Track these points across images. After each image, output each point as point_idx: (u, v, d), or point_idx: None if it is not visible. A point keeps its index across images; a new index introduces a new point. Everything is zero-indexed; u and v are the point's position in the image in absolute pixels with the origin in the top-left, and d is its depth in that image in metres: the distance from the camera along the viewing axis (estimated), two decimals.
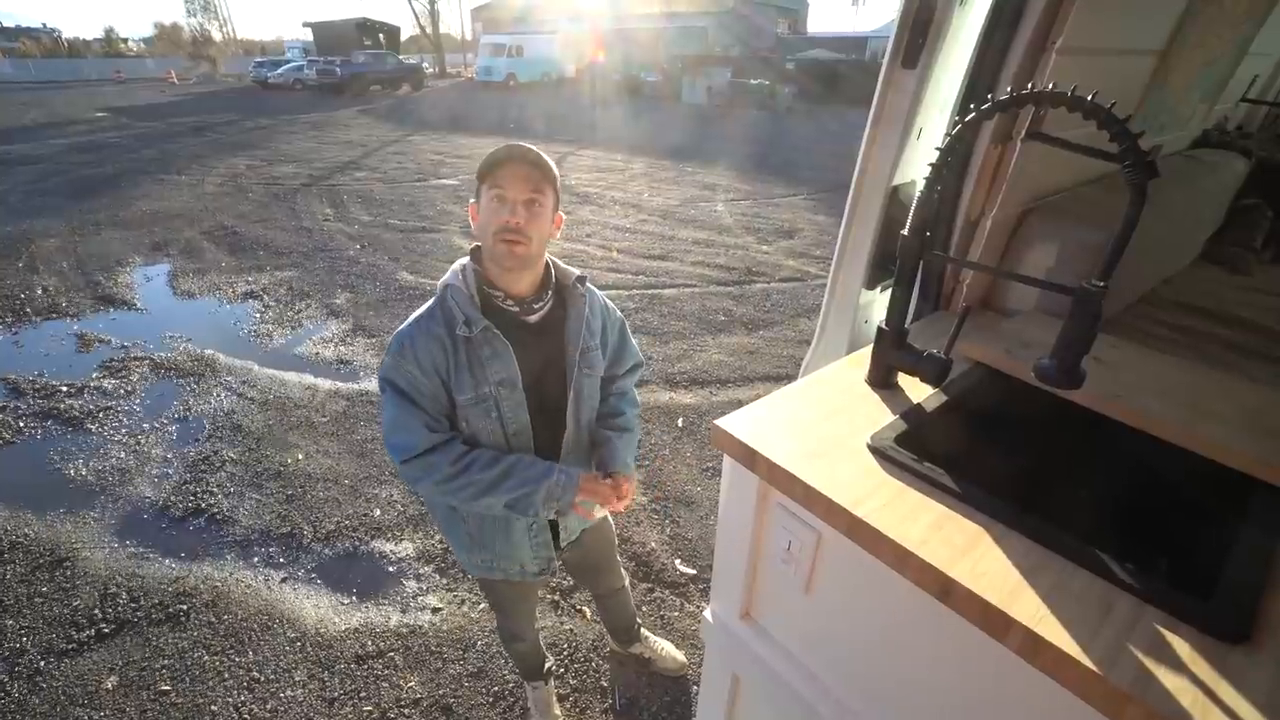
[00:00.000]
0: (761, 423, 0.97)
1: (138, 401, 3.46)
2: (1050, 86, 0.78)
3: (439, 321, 1.14)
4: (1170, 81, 1.65)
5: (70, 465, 2.92)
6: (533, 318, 1.20)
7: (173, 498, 2.73)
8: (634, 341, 1.44)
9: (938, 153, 0.93)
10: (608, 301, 1.37)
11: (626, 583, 1.84)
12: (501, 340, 1.15)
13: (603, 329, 1.32)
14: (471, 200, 1.17)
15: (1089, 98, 0.74)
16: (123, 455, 3.00)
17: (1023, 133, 1.25)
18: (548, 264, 1.24)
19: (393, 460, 1.17)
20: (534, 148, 1.12)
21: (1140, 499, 1.04)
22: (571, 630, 2.14)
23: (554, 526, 1.38)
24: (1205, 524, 0.95)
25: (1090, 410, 1.02)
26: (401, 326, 1.16)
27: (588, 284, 1.27)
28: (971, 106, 0.88)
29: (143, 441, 3.11)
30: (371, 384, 3.66)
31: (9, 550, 2.43)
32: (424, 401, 1.15)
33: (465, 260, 1.21)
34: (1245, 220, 2.16)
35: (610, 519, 1.65)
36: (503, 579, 1.41)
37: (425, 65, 32.52)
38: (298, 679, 1.97)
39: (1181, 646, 0.63)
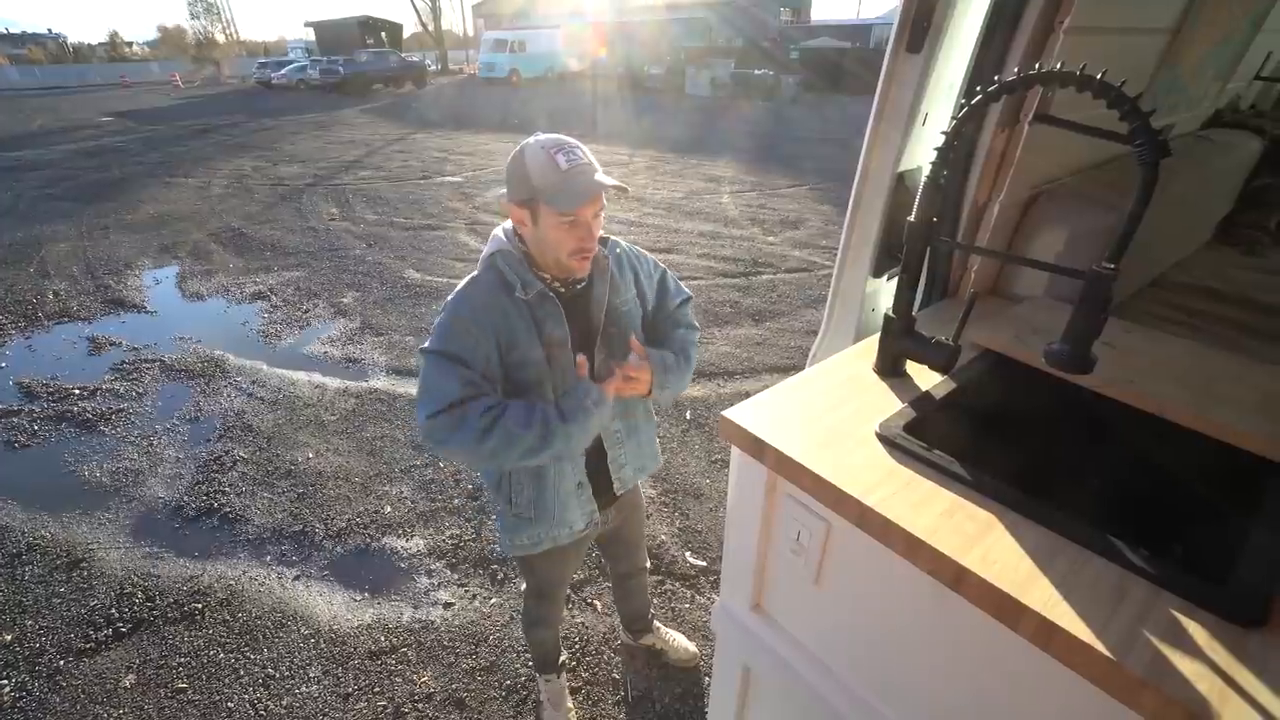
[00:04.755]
0: (769, 413, 0.97)
1: (149, 403, 3.50)
2: (1058, 66, 0.76)
3: (497, 285, 1.16)
4: (1182, 60, 1.62)
5: (84, 467, 2.95)
6: (569, 292, 1.24)
7: (186, 498, 2.75)
8: (677, 282, 1.45)
9: (943, 138, 0.92)
10: (639, 251, 1.38)
11: (648, 564, 1.86)
12: (554, 303, 1.18)
13: (635, 279, 1.34)
14: (510, 202, 1.14)
15: (1098, 76, 0.72)
16: (136, 456, 3.03)
17: (1030, 115, 1.23)
18: None
19: (420, 424, 1.13)
20: (584, 150, 1.11)
21: (1153, 485, 1.02)
22: (583, 624, 2.15)
23: (607, 476, 1.40)
24: (1220, 509, 0.94)
25: (1102, 395, 1.01)
26: (452, 295, 1.18)
27: (609, 243, 1.29)
28: (978, 89, 0.86)
29: (155, 443, 3.14)
30: (380, 382, 3.68)
31: (27, 551, 2.46)
32: (473, 358, 1.14)
33: (507, 224, 1.21)
34: (1259, 201, 2.12)
35: (643, 499, 1.66)
36: (551, 547, 1.41)
37: (428, 63, 32.51)
38: (312, 675, 1.99)
39: (1198, 632, 0.62)
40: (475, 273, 1.21)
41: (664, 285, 1.43)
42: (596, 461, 1.37)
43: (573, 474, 1.33)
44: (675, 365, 1.32)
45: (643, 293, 1.36)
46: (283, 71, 26.33)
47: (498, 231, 1.22)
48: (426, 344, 1.16)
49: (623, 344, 1.30)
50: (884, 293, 1.37)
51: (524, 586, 1.72)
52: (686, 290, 1.47)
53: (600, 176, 1.09)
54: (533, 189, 1.08)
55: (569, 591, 2.26)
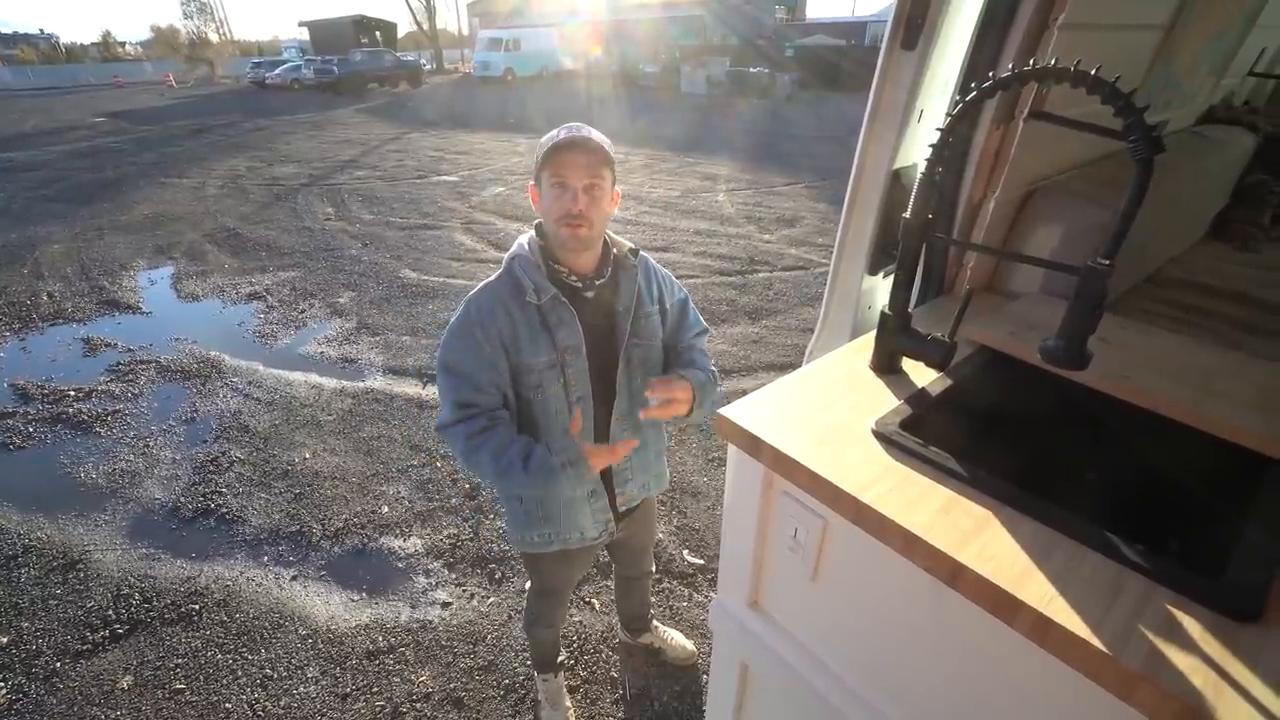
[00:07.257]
0: (766, 411, 0.97)
1: (145, 404, 3.48)
2: (1053, 63, 0.76)
3: (507, 290, 1.19)
4: (1176, 56, 1.63)
5: (80, 469, 2.94)
6: (591, 293, 1.24)
7: (182, 499, 2.75)
8: (697, 313, 1.46)
9: (939, 135, 0.92)
10: (668, 273, 1.40)
11: (653, 567, 1.87)
12: (568, 308, 1.19)
13: (660, 296, 1.34)
14: (530, 182, 1.21)
15: (1092, 72, 0.72)
16: (132, 458, 3.02)
17: (1025, 112, 1.24)
18: (605, 240, 1.27)
19: None
20: (590, 130, 1.14)
21: (1149, 480, 1.03)
22: (581, 622, 2.15)
23: (610, 494, 1.40)
24: (1216, 504, 0.94)
25: (1097, 391, 1.01)
26: (464, 300, 1.21)
27: (641, 254, 1.30)
28: (972, 86, 0.86)
29: (151, 444, 3.13)
30: (376, 382, 3.67)
31: (23, 554, 2.45)
32: (476, 366, 1.17)
33: (530, 233, 1.24)
34: (1253, 197, 2.13)
35: (656, 508, 1.66)
36: (559, 549, 1.41)
37: (423, 62, 32.42)
38: (310, 675, 1.99)
39: (1193, 626, 0.62)
40: (492, 276, 1.22)
41: (685, 311, 1.42)
42: (607, 472, 1.37)
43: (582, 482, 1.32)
44: (708, 383, 1.31)
45: (665, 311, 1.36)
46: (277, 71, 26.22)
47: (520, 238, 1.24)
48: (440, 351, 1.21)
49: (644, 365, 1.31)
50: (880, 290, 1.37)
51: (528, 584, 1.72)
52: (705, 323, 1.47)
53: (588, 133, 1.13)
54: (538, 161, 1.15)
55: None
